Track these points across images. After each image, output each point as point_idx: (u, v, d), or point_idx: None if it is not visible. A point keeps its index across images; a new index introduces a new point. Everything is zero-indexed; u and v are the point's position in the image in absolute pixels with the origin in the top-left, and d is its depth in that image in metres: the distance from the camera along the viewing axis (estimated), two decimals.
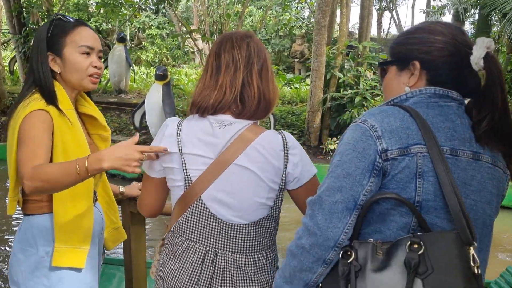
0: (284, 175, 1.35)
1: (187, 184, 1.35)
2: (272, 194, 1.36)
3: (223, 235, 1.35)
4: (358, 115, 7.48)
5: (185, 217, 1.37)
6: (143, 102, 7.77)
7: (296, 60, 15.19)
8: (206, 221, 1.35)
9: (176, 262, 1.38)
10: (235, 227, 1.35)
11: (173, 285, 1.38)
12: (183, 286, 1.36)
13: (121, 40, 9.60)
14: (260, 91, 1.36)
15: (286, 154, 1.35)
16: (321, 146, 7.94)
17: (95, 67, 1.66)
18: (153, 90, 7.54)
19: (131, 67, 9.93)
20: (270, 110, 1.39)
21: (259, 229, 1.38)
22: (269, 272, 1.42)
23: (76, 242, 1.60)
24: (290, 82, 12.10)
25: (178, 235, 1.40)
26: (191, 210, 1.36)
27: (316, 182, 1.40)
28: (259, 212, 1.36)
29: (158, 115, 7.54)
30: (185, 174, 1.35)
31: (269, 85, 1.39)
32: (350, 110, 7.49)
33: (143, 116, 7.90)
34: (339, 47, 7.82)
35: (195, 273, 1.35)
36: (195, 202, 1.34)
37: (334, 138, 7.78)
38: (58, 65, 1.64)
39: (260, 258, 1.41)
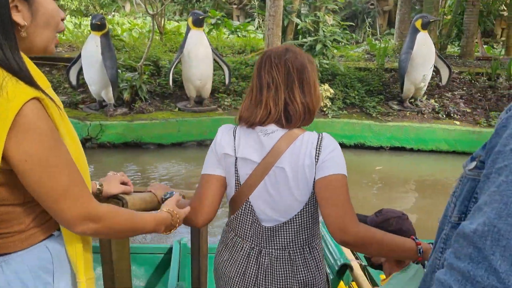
0: (315, 170, 1.39)
1: (237, 186, 1.48)
2: (307, 191, 1.42)
3: (267, 235, 1.47)
4: (319, 64, 7.03)
5: (235, 215, 1.51)
6: (79, 56, 6.88)
7: (234, 6, 14.39)
8: (251, 221, 1.48)
9: (227, 253, 1.54)
10: (275, 227, 1.45)
11: (224, 273, 1.54)
12: (231, 276, 1.52)
13: None
14: (304, 106, 1.43)
15: (318, 150, 1.39)
16: None
17: (62, 19, 1.12)
18: (90, 42, 6.66)
19: None
20: (313, 118, 1.48)
21: (297, 225, 1.45)
22: (311, 267, 1.49)
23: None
24: (238, 30, 11.36)
25: (230, 230, 1.55)
26: (240, 210, 1.49)
27: (342, 185, 1.37)
28: (295, 207, 1.44)
29: (98, 71, 6.70)
30: (236, 176, 1.47)
31: (312, 97, 1.44)
32: None
33: (80, 71, 7.02)
34: None
35: (241, 267, 1.50)
36: (244, 203, 1.47)
37: None
38: (23, 14, 1.02)
39: (303, 253, 1.48)
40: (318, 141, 1.41)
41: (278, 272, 1.47)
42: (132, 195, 1.57)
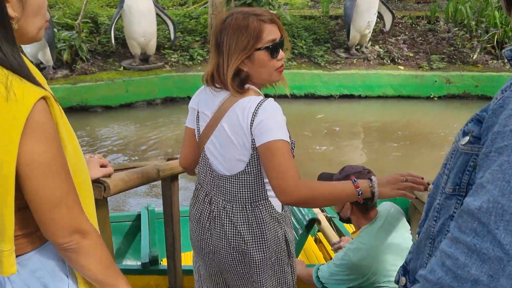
0: (252, 135, 1.45)
1: (197, 136, 1.63)
2: (246, 152, 1.50)
3: (215, 183, 1.60)
4: None
5: (199, 165, 1.66)
6: None
7: None
8: (206, 170, 1.62)
9: (194, 198, 1.72)
10: (222, 177, 1.57)
11: (190, 216, 1.73)
12: (192, 219, 1.70)
13: None
14: (219, 73, 1.49)
15: (254, 115, 1.43)
16: None
17: None
18: None
19: None
20: (227, 84, 1.46)
21: (239, 182, 1.54)
22: (253, 226, 1.56)
23: None
24: None
25: (197, 178, 1.71)
26: (201, 160, 1.63)
27: (278, 151, 1.39)
28: (237, 166, 1.53)
29: None
30: (197, 128, 1.62)
31: (224, 65, 1.46)
32: None
33: None
34: None
35: (198, 212, 1.67)
36: (202, 153, 1.61)
37: None
38: (13, 6, 0.95)
39: (246, 210, 1.56)
40: (256, 106, 1.43)
41: (223, 222, 1.58)
42: (112, 177, 1.53)
